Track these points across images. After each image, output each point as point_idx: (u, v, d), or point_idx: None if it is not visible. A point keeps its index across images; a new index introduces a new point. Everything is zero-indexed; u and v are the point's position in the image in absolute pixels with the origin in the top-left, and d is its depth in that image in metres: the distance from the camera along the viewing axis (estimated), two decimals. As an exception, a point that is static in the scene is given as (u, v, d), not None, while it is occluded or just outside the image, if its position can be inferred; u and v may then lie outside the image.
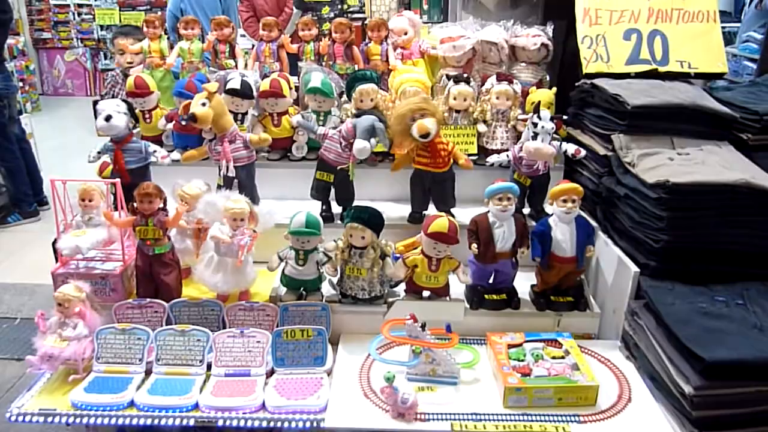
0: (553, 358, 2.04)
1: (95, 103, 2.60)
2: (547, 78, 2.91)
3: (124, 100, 2.53)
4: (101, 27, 9.48)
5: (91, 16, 9.52)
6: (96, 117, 2.50)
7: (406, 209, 2.60)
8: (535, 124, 2.32)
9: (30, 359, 2.04)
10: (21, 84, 8.66)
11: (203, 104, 2.33)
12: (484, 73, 2.89)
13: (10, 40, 8.72)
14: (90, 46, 9.73)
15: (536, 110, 2.34)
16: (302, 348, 2.08)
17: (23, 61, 9.05)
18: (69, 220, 2.33)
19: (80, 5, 9.57)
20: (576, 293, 2.28)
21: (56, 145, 6.90)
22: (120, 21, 9.25)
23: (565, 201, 2.15)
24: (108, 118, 2.40)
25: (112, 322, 2.15)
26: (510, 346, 2.08)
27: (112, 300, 2.24)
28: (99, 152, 2.53)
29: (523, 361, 2.02)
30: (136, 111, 2.69)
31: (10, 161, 5.17)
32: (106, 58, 9.64)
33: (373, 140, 2.41)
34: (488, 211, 2.20)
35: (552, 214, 2.22)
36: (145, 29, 2.97)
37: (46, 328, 2.08)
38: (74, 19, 9.58)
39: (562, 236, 2.16)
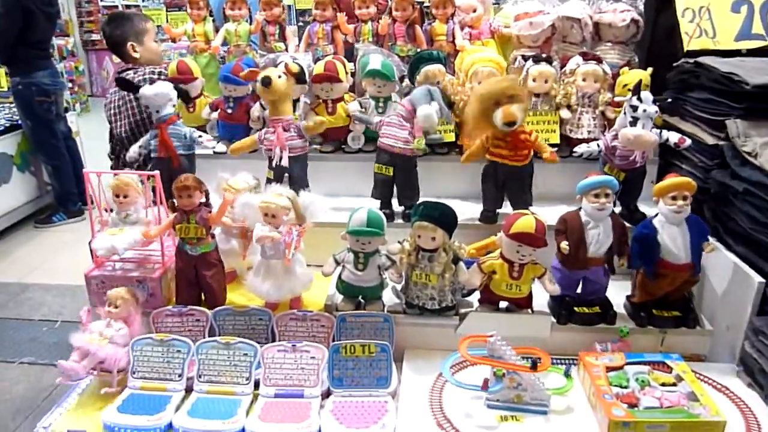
0: (663, 384, 1.71)
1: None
2: (636, 59, 2.56)
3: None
4: (149, 27, 9.53)
5: (139, 17, 9.57)
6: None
7: (475, 207, 2.28)
8: (634, 108, 1.98)
9: (62, 363, 1.81)
10: (70, 85, 8.70)
11: (280, 77, 2.15)
12: (564, 54, 2.55)
13: (60, 41, 8.82)
14: (138, 46, 9.79)
15: (635, 92, 1.99)
16: (363, 366, 1.80)
17: (73, 62, 9.12)
18: (105, 217, 2.11)
19: (128, 6, 9.64)
20: (683, 307, 1.93)
21: (104, 146, 6.85)
22: (167, 21, 9.23)
23: (674, 198, 1.80)
24: (152, 81, 2.33)
25: (149, 331, 1.92)
26: (608, 369, 1.75)
27: (150, 306, 2.01)
28: (140, 146, 2.37)
29: (626, 387, 1.69)
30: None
31: (56, 159, 5.09)
32: (153, 59, 9.67)
33: (434, 103, 2.12)
34: (580, 209, 1.88)
35: (655, 214, 1.88)
36: (189, 11, 2.75)
37: (88, 323, 1.89)
38: (122, 20, 9.64)
39: (672, 240, 1.81)
